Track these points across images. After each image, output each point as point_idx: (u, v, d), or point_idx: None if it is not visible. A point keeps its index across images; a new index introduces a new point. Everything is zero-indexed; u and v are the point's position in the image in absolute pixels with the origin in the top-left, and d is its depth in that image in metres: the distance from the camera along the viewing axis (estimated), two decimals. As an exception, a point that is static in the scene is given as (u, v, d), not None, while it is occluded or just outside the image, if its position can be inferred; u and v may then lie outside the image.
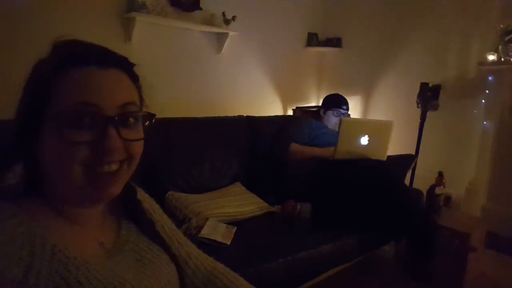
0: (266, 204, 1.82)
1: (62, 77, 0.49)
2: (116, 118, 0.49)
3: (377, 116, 3.28)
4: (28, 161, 0.51)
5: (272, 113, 3.18)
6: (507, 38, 2.43)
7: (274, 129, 2.31)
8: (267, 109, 3.30)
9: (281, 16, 3.29)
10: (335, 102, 2.40)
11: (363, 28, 3.39)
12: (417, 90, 2.71)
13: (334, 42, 3.56)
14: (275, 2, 3.21)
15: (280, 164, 2.13)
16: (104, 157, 0.49)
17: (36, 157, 0.50)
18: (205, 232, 1.43)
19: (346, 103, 2.41)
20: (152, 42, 2.51)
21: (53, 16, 2.06)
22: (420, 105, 2.71)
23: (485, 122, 2.67)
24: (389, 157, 2.10)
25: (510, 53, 2.43)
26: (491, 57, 2.50)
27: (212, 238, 1.41)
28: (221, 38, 2.86)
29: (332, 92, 2.53)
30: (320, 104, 2.58)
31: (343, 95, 2.46)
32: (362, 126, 2.03)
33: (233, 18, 2.72)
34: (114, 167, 0.51)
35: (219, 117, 2.26)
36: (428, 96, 2.65)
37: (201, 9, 2.63)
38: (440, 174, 2.19)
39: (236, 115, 2.36)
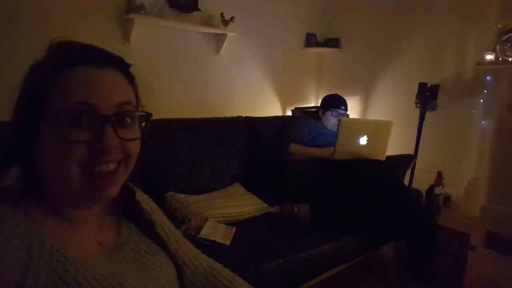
0: (266, 205, 1.82)
1: (59, 77, 0.49)
2: (113, 117, 0.50)
3: (376, 116, 3.28)
4: (25, 163, 0.51)
5: (271, 113, 3.18)
6: (504, 37, 2.44)
7: (273, 130, 2.32)
8: (266, 109, 3.30)
9: (279, 16, 3.30)
10: (334, 103, 2.40)
11: (362, 28, 3.40)
12: (415, 90, 2.72)
13: (333, 42, 3.56)
14: (274, 3, 3.21)
15: (280, 164, 2.13)
16: (102, 156, 0.49)
17: (34, 158, 0.50)
18: (205, 233, 1.43)
19: (345, 104, 2.42)
20: (150, 43, 2.51)
21: (52, 17, 2.06)
22: (418, 105, 2.71)
23: (483, 122, 2.67)
24: (388, 157, 2.10)
25: (508, 53, 2.43)
26: (489, 57, 2.51)
27: (211, 238, 1.40)
28: (219, 39, 2.86)
29: (331, 93, 2.53)
30: (319, 104, 2.58)
31: (342, 95, 2.47)
32: (361, 126, 2.03)
33: (232, 19, 2.73)
34: (111, 166, 0.51)
35: (218, 117, 2.26)
36: (427, 96, 2.66)
37: (199, 10, 2.63)
38: (439, 174, 2.19)
39: (235, 115, 2.36)
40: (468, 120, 2.77)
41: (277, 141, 2.21)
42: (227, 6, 2.77)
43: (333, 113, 2.36)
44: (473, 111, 2.75)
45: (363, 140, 1.94)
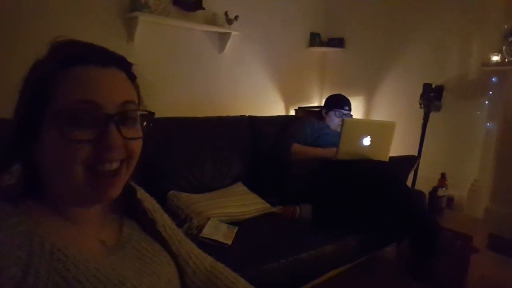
0: (268, 205, 1.82)
1: (62, 76, 0.49)
2: (116, 116, 0.50)
3: (379, 117, 3.27)
4: (26, 162, 0.51)
5: (274, 113, 3.17)
6: (511, 38, 2.42)
7: (276, 129, 2.31)
8: (269, 109, 3.30)
9: (283, 16, 3.29)
10: (338, 103, 2.40)
11: (365, 28, 3.38)
12: (419, 91, 2.70)
13: (337, 42, 3.55)
14: (278, 2, 3.20)
15: (282, 164, 2.12)
16: (105, 155, 0.49)
17: (35, 157, 0.50)
18: (207, 232, 1.43)
19: (349, 104, 2.41)
20: (154, 42, 2.51)
21: (55, 15, 2.06)
22: (423, 106, 2.70)
23: (488, 123, 2.65)
24: (391, 158, 2.09)
25: (514, 54, 2.41)
26: (495, 58, 2.49)
27: (213, 238, 1.40)
28: (223, 38, 2.85)
29: (334, 92, 2.53)
30: (322, 104, 2.57)
31: (345, 95, 2.46)
32: (364, 126, 2.02)
33: (236, 18, 2.72)
34: (114, 165, 0.51)
35: (221, 117, 2.26)
36: (431, 97, 2.64)
37: (203, 8, 2.63)
38: (443, 176, 2.18)
39: (238, 115, 2.36)
40: (473, 121, 2.76)
41: (280, 141, 2.21)
42: (231, 4, 2.77)
43: (337, 113, 2.35)
44: (478, 112, 2.73)
45: (366, 141, 1.93)
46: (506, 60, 2.44)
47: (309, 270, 1.50)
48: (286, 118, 2.69)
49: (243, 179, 2.05)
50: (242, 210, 1.69)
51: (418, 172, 2.66)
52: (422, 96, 2.69)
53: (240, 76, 3.08)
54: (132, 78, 0.56)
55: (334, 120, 2.35)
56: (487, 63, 2.54)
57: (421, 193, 2.14)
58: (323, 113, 2.44)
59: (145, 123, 0.55)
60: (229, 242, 1.42)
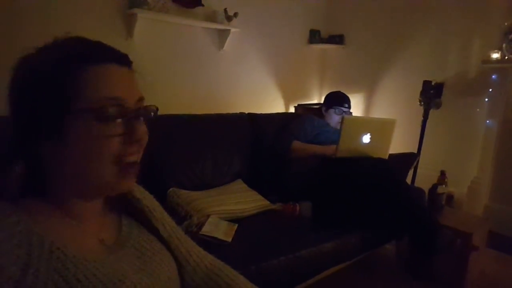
0: (268, 202, 1.81)
1: (82, 74, 0.49)
2: (142, 110, 0.53)
3: (379, 114, 3.27)
4: (29, 161, 0.51)
5: (274, 110, 3.17)
6: (511, 36, 2.41)
7: (276, 127, 2.31)
8: (269, 106, 3.29)
9: (283, 12, 3.28)
10: (337, 100, 2.39)
11: (366, 25, 3.37)
12: (419, 88, 2.70)
13: (337, 39, 3.54)
14: (278, -2, 3.19)
15: (282, 161, 2.12)
16: (134, 147, 0.52)
17: (44, 156, 0.50)
18: (206, 229, 1.42)
19: (348, 101, 2.40)
20: (153, 39, 2.50)
21: (54, 12, 2.05)
22: (422, 103, 2.69)
23: (488, 121, 2.65)
24: (391, 155, 2.09)
25: (515, 51, 2.41)
26: (495, 55, 2.49)
27: (213, 235, 1.40)
28: (222, 35, 2.84)
29: (334, 90, 2.52)
30: (322, 101, 2.57)
31: (345, 92, 2.45)
32: (364, 124, 2.02)
33: (235, 14, 2.71)
34: (138, 157, 0.54)
35: (220, 114, 2.25)
36: (431, 94, 2.64)
37: (202, 5, 2.62)
38: (443, 173, 2.18)
39: (238, 112, 2.35)
40: (473, 118, 2.76)
41: (279, 138, 2.20)
42: (230, 1, 2.76)
43: (336, 110, 2.35)
44: (478, 110, 2.73)
45: (366, 138, 1.93)
46: (506, 57, 2.44)
47: (308, 267, 1.50)
48: (286, 115, 2.68)
49: (243, 176, 2.05)
50: (242, 208, 1.69)
51: (418, 170, 2.66)
52: (422, 93, 2.68)
53: (239, 73, 3.08)
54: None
55: (334, 118, 2.34)
56: (487, 60, 2.53)
57: (420, 190, 2.15)
58: (322, 110, 2.43)
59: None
60: (229, 240, 1.42)
